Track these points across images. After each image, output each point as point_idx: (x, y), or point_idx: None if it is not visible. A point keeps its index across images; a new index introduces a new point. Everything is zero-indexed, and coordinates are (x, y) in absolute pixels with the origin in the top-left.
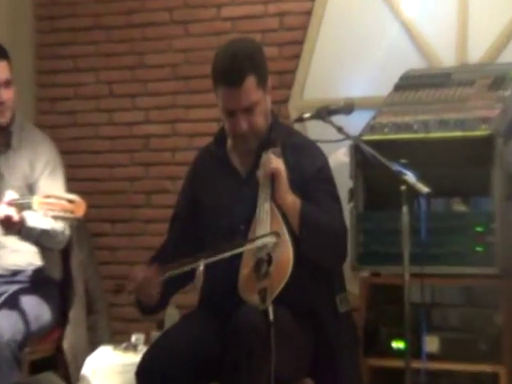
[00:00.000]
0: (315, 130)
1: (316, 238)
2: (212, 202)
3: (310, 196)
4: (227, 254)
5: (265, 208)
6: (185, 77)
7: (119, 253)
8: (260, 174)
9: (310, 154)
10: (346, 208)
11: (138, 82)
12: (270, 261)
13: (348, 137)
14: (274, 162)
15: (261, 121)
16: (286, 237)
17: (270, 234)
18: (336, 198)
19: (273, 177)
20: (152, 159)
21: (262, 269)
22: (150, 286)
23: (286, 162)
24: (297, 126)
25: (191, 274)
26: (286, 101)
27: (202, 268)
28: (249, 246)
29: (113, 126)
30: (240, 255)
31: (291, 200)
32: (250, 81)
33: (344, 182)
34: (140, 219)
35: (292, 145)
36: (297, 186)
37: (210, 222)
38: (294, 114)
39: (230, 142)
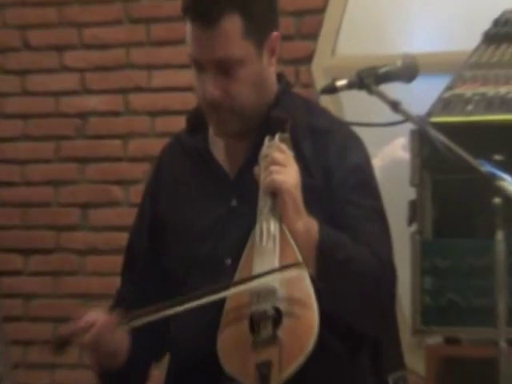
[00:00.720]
0: (353, 107)
1: (344, 289)
2: (183, 222)
3: (338, 215)
4: (203, 301)
5: (270, 228)
6: (144, 19)
7: (36, 303)
8: (258, 172)
9: (340, 145)
10: (403, 234)
11: (69, 25)
12: (277, 318)
13: (409, 118)
14: (277, 168)
15: (245, 92)
16: (307, 279)
17: (281, 270)
18: (381, 219)
19: (274, 193)
20: (91, 151)
21: (262, 330)
22: (110, 337)
23: (300, 158)
24: (324, 101)
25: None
26: (307, 59)
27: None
28: (238, 289)
29: (27, 96)
30: (220, 304)
31: (303, 227)
32: (231, 23)
33: (400, 193)
34: (71, 248)
35: (312, 129)
36: (316, 199)
37: (180, 252)
38: (320, 81)
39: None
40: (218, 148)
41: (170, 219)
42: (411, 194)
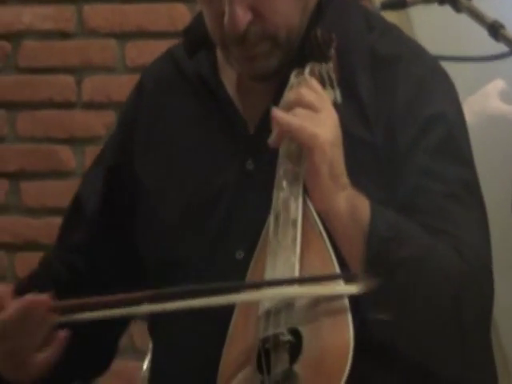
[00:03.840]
0: (430, 32)
1: (404, 304)
2: (172, 190)
3: (404, 190)
4: (198, 304)
5: (289, 208)
6: None
7: None
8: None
9: (415, 82)
10: (506, 224)
11: None
12: (294, 345)
13: None
14: (305, 113)
15: (286, 7)
16: (339, 289)
17: (300, 281)
18: (472, 198)
19: (300, 146)
20: (26, 92)
21: (274, 364)
22: (31, 330)
23: (353, 99)
24: (389, 16)
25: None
26: None
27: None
28: (244, 297)
29: None
30: (227, 314)
31: (345, 205)
32: None
33: (500, 164)
34: None
35: (373, 56)
36: (370, 165)
37: (166, 238)
38: None
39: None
40: (231, 82)
41: (149, 182)
42: None
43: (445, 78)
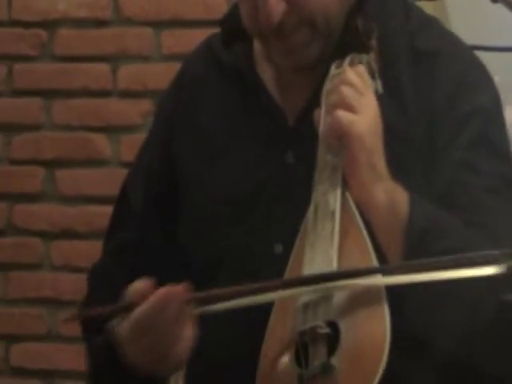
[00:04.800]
0: (467, 21)
1: (443, 300)
2: (211, 183)
3: (443, 183)
4: (231, 305)
5: (328, 200)
6: None
7: None
8: (318, 116)
9: (455, 76)
10: None
11: None
12: (332, 337)
13: None
14: (350, 94)
15: None
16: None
17: (343, 276)
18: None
19: (342, 139)
20: (61, 80)
21: (312, 358)
22: (169, 323)
23: (394, 92)
24: (426, 6)
25: None
26: None
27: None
28: (282, 294)
29: None
30: (264, 317)
31: (384, 197)
32: None
33: None
34: (29, 229)
35: (413, 49)
36: (410, 157)
37: (205, 232)
38: None
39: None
40: (268, 74)
41: (190, 176)
42: None
43: (484, 72)
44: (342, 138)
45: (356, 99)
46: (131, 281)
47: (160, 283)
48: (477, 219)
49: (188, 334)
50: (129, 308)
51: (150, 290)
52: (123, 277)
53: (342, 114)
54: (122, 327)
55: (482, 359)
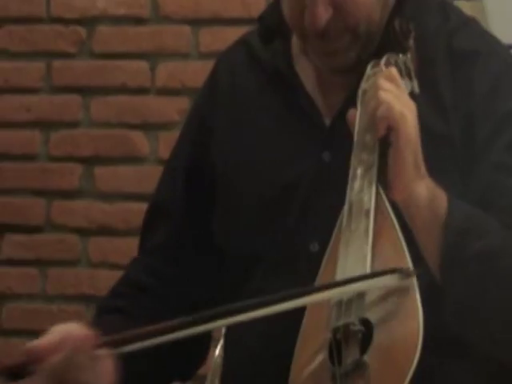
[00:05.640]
0: (503, 20)
1: (481, 298)
2: (247, 181)
3: (480, 184)
4: (264, 312)
5: (363, 201)
6: None
7: (11, 307)
8: (353, 117)
9: (494, 77)
10: None
11: None
12: (365, 335)
13: None
14: (389, 93)
15: (367, 1)
16: (412, 281)
17: (372, 277)
18: None
19: (385, 132)
20: (100, 77)
21: (345, 355)
22: (87, 366)
23: (431, 93)
24: (464, 6)
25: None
26: None
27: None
28: (316, 297)
29: None
30: (298, 320)
31: (426, 195)
32: None
33: None
34: (67, 226)
35: (451, 49)
36: (446, 158)
37: (241, 231)
38: None
39: (296, 39)
40: (306, 73)
41: (226, 174)
42: None
43: None
44: (390, 131)
45: (398, 98)
46: (151, 282)
47: (194, 285)
48: None
49: (107, 374)
50: (47, 354)
51: (69, 336)
52: (143, 279)
53: (395, 103)
54: (40, 379)
55: None
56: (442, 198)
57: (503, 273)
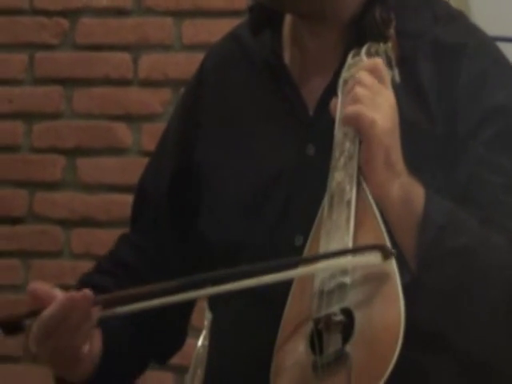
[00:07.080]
0: (489, 13)
1: (458, 295)
2: (231, 174)
3: (462, 180)
4: (249, 283)
5: (344, 190)
6: None
7: None
8: (334, 106)
9: (477, 71)
10: None
11: None
12: (347, 325)
13: None
14: (364, 94)
15: None
16: (395, 273)
17: (353, 253)
18: None
19: (356, 130)
20: (83, 69)
21: (327, 345)
22: (74, 325)
23: (414, 87)
24: None
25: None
26: None
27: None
28: (299, 272)
29: None
30: (284, 294)
31: (399, 192)
32: None
33: None
34: (49, 217)
35: (435, 42)
36: (429, 154)
37: (224, 224)
38: None
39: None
40: (294, 65)
41: (211, 166)
42: None
43: (509, 69)
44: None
45: (371, 99)
46: (137, 260)
47: (175, 275)
48: (494, 217)
49: (96, 337)
50: (37, 312)
51: (53, 294)
52: (129, 255)
53: (366, 110)
54: (33, 328)
55: (499, 356)
56: (418, 194)
57: (480, 270)
